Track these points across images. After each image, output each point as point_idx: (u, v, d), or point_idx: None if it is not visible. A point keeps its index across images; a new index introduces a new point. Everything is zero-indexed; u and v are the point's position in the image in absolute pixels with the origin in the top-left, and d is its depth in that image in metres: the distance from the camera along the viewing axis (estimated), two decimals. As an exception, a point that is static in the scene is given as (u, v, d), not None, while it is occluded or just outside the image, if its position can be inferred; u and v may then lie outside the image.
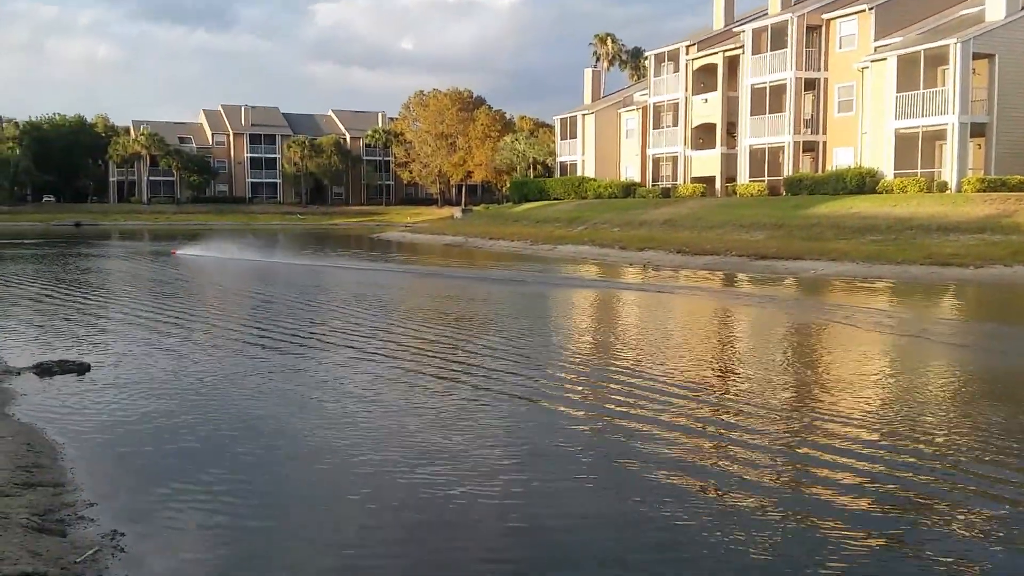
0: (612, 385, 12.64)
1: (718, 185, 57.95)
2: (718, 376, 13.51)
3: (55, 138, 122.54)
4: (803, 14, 50.79)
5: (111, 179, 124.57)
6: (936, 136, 43.31)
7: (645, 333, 18.56)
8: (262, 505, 7.86)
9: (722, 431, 10.19)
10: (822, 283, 29.26)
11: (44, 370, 13.25)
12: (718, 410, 11.28)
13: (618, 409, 11.13)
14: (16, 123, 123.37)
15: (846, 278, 30.26)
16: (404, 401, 11.46)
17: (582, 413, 11.28)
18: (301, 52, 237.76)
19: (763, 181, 52.15)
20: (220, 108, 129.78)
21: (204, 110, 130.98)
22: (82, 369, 13.45)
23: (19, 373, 13.13)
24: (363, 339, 16.64)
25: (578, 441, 9.81)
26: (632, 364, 14.24)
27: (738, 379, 13.18)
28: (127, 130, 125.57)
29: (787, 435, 10.02)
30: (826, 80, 51.12)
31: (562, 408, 11.43)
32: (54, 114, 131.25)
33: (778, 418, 10.72)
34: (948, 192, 41.07)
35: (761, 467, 8.80)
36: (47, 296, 24.84)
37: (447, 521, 7.48)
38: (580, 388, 12.73)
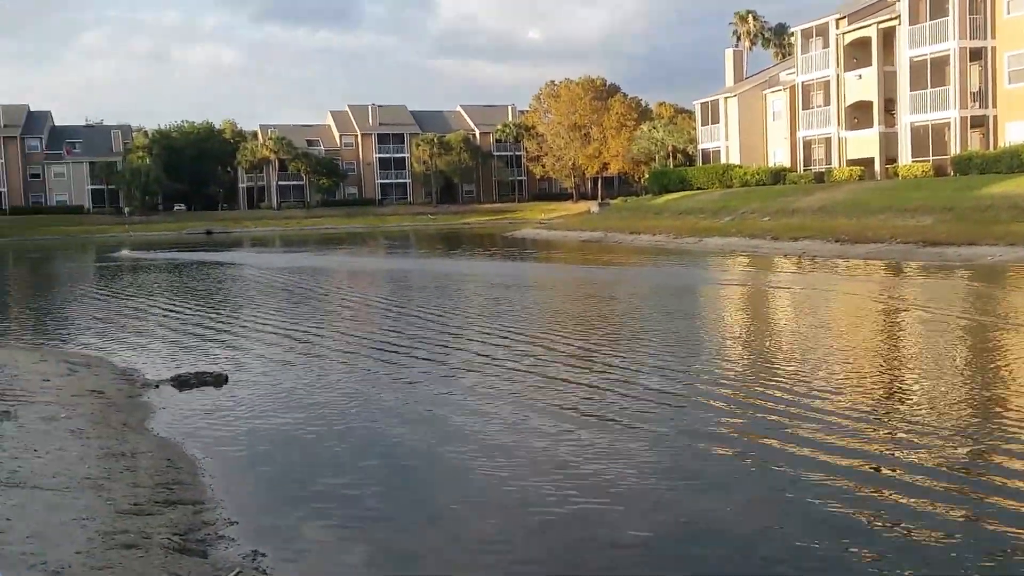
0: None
1: (877, 167, 55.79)
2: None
3: (184, 146, 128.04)
4: (967, -23, 48.44)
5: (240, 185, 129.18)
6: None
7: (838, 347, 16.24)
8: (406, 527, 7.76)
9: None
10: (1004, 271, 27.67)
11: (182, 382, 13.64)
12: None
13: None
14: (145, 132, 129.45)
15: (1029, 265, 28.55)
16: (552, 426, 10.98)
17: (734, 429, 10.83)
18: (426, 47, 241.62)
19: (928, 161, 49.97)
20: (347, 108, 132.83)
21: (331, 111, 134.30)
22: (220, 381, 13.78)
23: (157, 386, 13.55)
24: (508, 352, 16.51)
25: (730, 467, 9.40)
26: (826, 388, 12.36)
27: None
28: (255, 135, 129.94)
29: None
30: (994, 49, 48.55)
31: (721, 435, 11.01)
32: (182, 121, 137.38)
33: None
34: None
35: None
36: (182, 306, 25.77)
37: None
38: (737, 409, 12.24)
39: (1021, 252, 30.68)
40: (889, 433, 9.87)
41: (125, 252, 59.88)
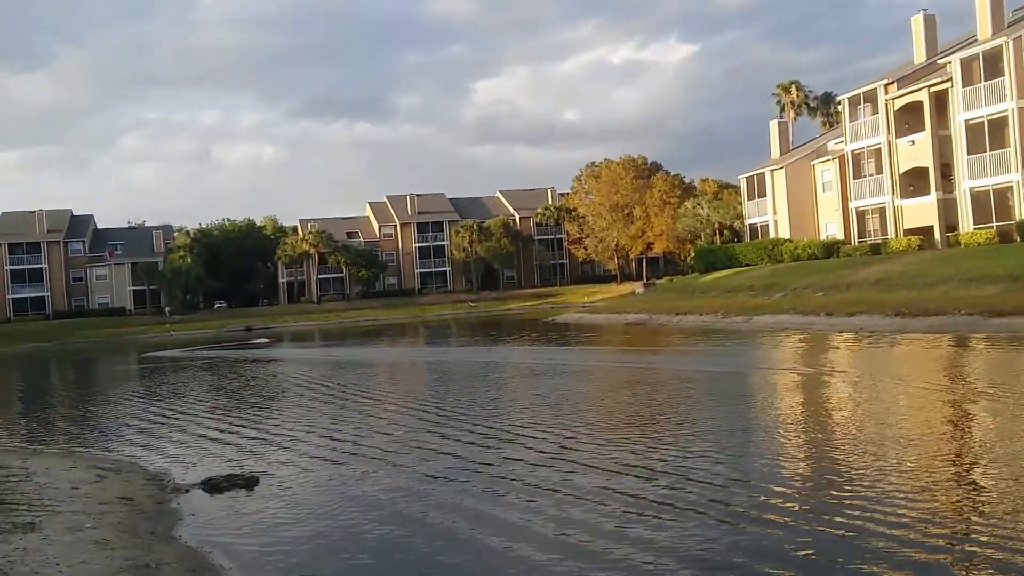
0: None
1: (937, 236, 55.02)
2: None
3: (225, 243, 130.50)
4: (1020, 36, 48.21)
5: (280, 280, 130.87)
6: None
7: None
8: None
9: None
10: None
11: (212, 486, 13.42)
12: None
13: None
14: (187, 232, 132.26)
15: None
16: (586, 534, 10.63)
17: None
18: (463, 134, 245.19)
19: (991, 227, 49.19)
20: (385, 199, 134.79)
21: (369, 203, 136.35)
22: (251, 483, 13.54)
23: (187, 491, 13.33)
24: (543, 453, 16.14)
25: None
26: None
27: None
28: (294, 229, 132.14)
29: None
30: (1054, 106, 48.07)
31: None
32: (223, 219, 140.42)
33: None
34: None
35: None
36: (215, 406, 25.71)
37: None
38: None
39: (1096, 318, 29.82)
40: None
41: (161, 352, 60.44)
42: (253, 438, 18.45)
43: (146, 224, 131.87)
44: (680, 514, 10.39)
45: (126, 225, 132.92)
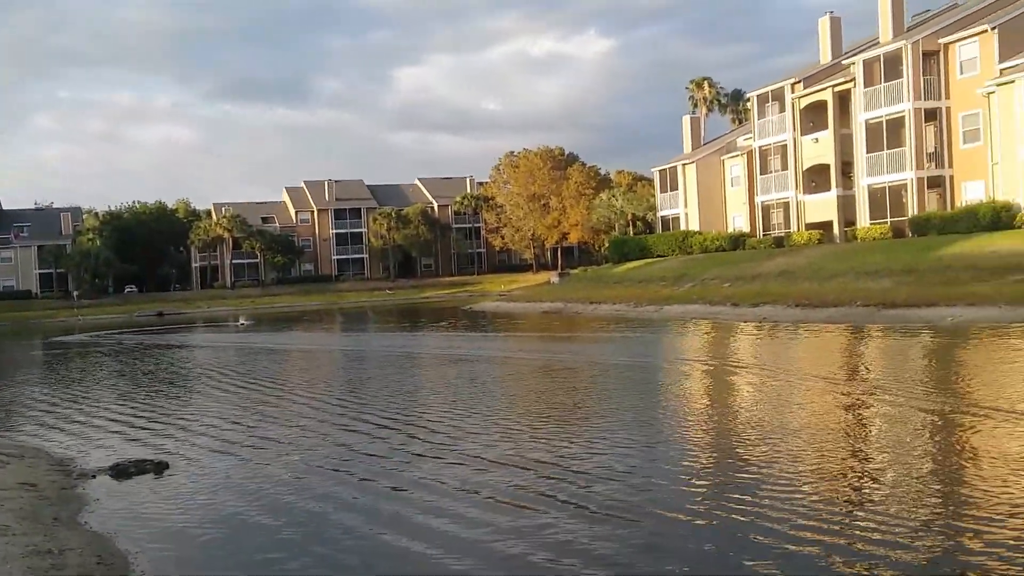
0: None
1: (836, 230, 56.62)
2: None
3: (136, 226, 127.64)
4: (918, 40, 49.75)
5: (193, 265, 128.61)
6: (1079, 161, 41.58)
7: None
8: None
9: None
10: (965, 332, 27.96)
11: (120, 471, 13.33)
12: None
13: None
14: (96, 214, 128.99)
15: (990, 324, 28.90)
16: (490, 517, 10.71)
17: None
18: (383, 121, 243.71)
19: (886, 223, 50.80)
20: (303, 185, 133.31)
21: (286, 188, 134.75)
22: (160, 468, 13.49)
23: (94, 476, 13.23)
24: (462, 435, 16.35)
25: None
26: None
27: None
28: (208, 213, 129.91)
29: None
30: (948, 109, 49.74)
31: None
32: (134, 202, 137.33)
33: None
34: (1099, 222, 39.28)
35: None
36: (124, 391, 25.38)
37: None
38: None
39: (981, 312, 31.10)
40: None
41: (69, 337, 59.08)
42: (162, 424, 18.29)
43: (54, 206, 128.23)
44: (561, 505, 10.36)
45: (33, 206, 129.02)
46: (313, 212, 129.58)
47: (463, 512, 10.23)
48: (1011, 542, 8.19)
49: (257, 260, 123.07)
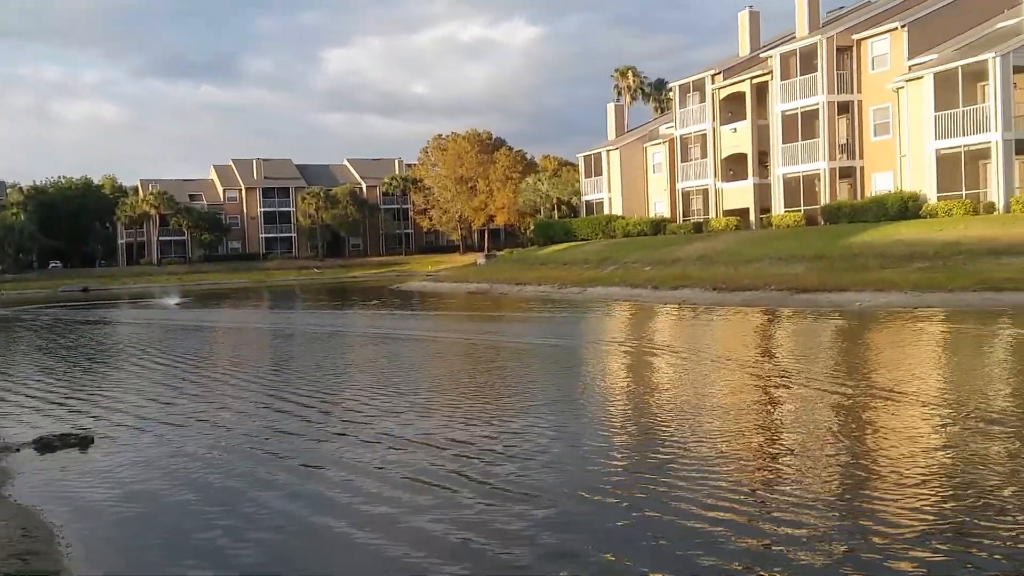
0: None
1: (752, 217, 57.58)
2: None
3: (61, 202, 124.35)
4: (832, 36, 50.70)
5: (120, 241, 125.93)
6: (979, 155, 42.84)
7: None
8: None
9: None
10: (873, 316, 28.71)
11: (44, 445, 13.06)
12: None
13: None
14: (20, 188, 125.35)
15: (896, 309, 29.72)
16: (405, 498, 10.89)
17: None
18: (313, 102, 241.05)
19: (799, 211, 51.80)
20: (231, 163, 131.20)
21: (215, 166, 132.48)
22: (85, 443, 13.24)
23: (18, 449, 12.95)
24: (382, 412, 16.33)
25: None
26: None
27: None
28: (135, 190, 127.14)
29: None
30: (860, 103, 50.85)
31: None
32: (60, 177, 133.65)
33: None
34: (996, 213, 40.56)
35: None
36: (50, 365, 24.82)
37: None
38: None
39: (887, 297, 31.97)
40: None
41: None
42: (84, 399, 17.95)
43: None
44: (473, 484, 10.32)
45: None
46: (241, 190, 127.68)
47: (375, 489, 10.19)
48: (906, 511, 8.52)
49: (184, 237, 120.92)
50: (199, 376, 21.14)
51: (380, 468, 11.16)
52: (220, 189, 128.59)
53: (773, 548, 7.83)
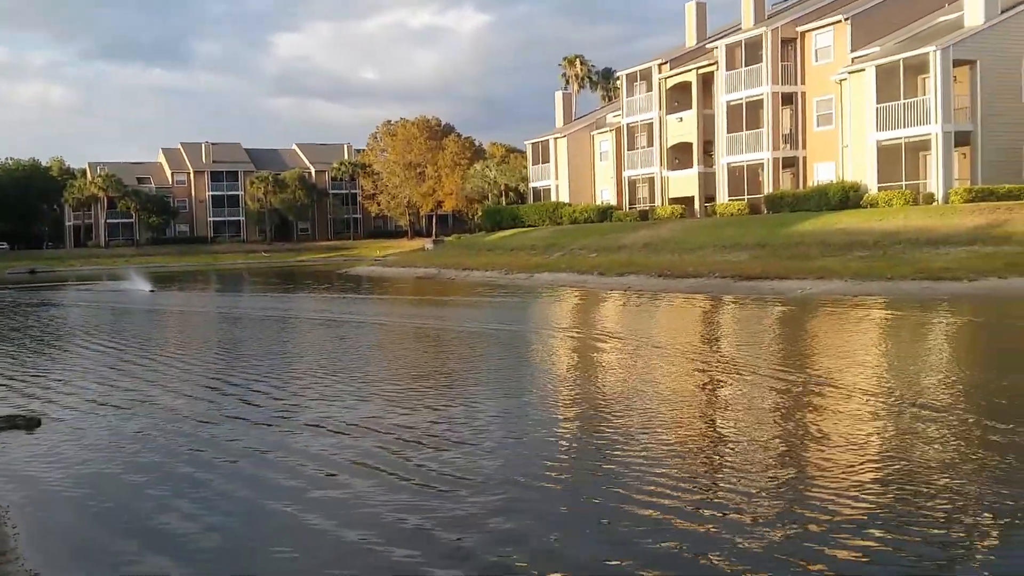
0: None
1: (697, 205, 57.96)
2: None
3: (8, 184, 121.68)
4: (777, 27, 51.08)
5: (67, 223, 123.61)
6: (919, 147, 43.48)
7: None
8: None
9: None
10: (811, 303, 29.01)
11: (-12, 428, 12.71)
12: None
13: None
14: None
15: (836, 296, 30.08)
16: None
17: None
18: (262, 86, 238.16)
19: (743, 200, 52.23)
20: (180, 146, 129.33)
21: (163, 149, 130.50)
22: (32, 424, 12.95)
23: (-41, 433, 12.58)
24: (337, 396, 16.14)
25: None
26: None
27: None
28: (84, 172, 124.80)
29: None
30: (803, 94, 51.33)
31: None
32: (7, 159, 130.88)
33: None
34: (935, 204, 41.19)
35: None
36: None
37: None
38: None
39: (828, 285, 32.35)
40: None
41: None
42: (29, 381, 17.53)
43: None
44: (413, 469, 10.20)
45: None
46: (190, 174, 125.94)
47: (320, 474, 10.08)
48: (841, 492, 8.58)
49: (132, 220, 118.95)
50: (147, 359, 20.73)
51: (324, 452, 11.01)
52: (169, 172, 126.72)
53: (715, 533, 7.84)
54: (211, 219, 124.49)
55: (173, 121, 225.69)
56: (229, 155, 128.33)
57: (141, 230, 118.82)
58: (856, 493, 8.75)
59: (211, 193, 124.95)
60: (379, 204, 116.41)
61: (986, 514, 8.01)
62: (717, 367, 17.12)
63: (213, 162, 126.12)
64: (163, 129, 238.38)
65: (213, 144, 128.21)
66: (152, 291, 50.00)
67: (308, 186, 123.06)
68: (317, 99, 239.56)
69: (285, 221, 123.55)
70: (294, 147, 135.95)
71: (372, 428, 12.17)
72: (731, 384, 15.28)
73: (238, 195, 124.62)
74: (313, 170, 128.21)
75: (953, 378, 14.81)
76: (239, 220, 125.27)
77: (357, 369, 17.95)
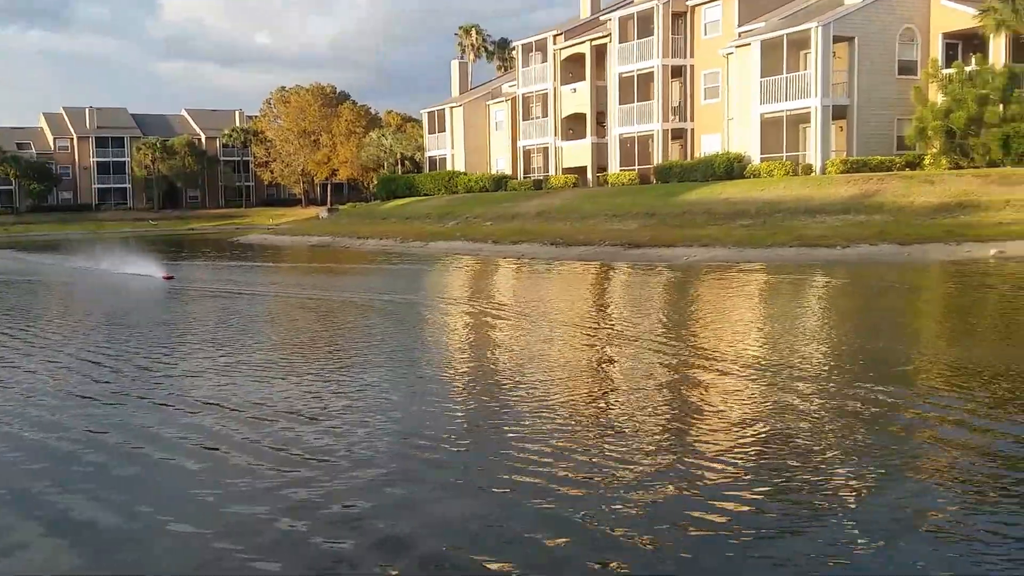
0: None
1: (590, 175, 58.45)
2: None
3: None
4: (668, 1, 51.56)
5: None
6: (800, 120, 44.65)
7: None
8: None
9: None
10: (701, 271, 29.60)
11: None
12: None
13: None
14: None
15: (719, 263, 30.76)
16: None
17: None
18: (149, 50, 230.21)
19: (634, 170, 52.84)
20: (62, 111, 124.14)
21: (44, 114, 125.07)
22: None
23: None
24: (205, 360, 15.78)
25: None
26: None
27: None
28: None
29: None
30: (692, 67, 52.07)
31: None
32: None
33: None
34: (813, 175, 42.41)
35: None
36: None
37: None
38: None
39: (712, 252, 33.08)
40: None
41: None
42: None
43: None
44: (304, 442, 10.09)
45: None
46: (73, 139, 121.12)
47: (200, 449, 9.85)
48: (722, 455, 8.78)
49: (11, 187, 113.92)
50: (20, 331, 19.93)
51: (205, 433, 10.66)
52: (51, 138, 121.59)
53: (604, 494, 7.94)
54: (96, 186, 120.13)
55: (55, 85, 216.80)
56: (114, 120, 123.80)
57: (21, 197, 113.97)
58: (737, 453, 8.98)
59: (96, 159, 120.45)
60: (272, 172, 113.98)
61: (850, 469, 8.30)
62: (604, 333, 17.32)
63: (98, 128, 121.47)
64: (44, 93, 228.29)
65: (98, 109, 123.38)
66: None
67: (198, 153, 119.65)
68: (209, 63, 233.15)
69: (174, 188, 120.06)
70: (183, 113, 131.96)
71: (259, 403, 11.93)
72: (617, 346, 15.49)
73: (124, 162, 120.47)
74: (204, 136, 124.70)
75: (824, 339, 15.32)
76: (126, 187, 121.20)
77: (246, 343, 17.41)
